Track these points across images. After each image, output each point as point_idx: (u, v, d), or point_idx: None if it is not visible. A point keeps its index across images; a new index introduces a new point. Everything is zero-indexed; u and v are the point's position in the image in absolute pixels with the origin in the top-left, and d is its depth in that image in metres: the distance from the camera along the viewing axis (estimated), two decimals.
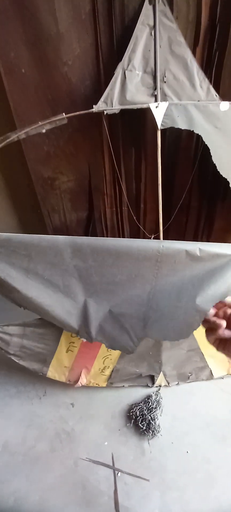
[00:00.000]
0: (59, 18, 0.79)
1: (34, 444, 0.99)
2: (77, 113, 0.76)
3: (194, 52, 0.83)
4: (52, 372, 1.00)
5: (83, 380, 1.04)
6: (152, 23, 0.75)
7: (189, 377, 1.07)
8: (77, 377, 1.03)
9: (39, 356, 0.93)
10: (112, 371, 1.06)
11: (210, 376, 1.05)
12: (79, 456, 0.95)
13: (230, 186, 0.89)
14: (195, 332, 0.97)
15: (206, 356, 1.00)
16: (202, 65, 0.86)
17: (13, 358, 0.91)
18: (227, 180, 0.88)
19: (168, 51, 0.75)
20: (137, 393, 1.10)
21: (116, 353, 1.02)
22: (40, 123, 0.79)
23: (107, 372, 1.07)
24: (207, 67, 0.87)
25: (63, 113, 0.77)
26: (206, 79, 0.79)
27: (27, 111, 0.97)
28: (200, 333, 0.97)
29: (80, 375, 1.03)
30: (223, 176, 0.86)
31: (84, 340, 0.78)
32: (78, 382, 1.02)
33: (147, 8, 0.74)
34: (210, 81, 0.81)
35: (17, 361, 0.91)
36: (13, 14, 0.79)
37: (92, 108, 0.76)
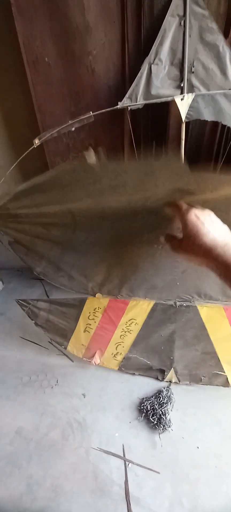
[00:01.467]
0: (86, 7, 0.77)
1: (46, 432, 1.02)
2: (103, 110, 0.74)
3: None
4: (71, 347, 1.11)
5: (97, 360, 1.11)
6: (181, 13, 0.73)
7: (201, 380, 1.07)
8: (92, 356, 1.11)
9: (61, 331, 1.06)
10: (124, 357, 1.10)
11: (226, 384, 1.05)
12: (91, 446, 0.97)
13: None
14: (212, 336, 0.98)
15: (223, 363, 1.00)
16: None
17: (40, 329, 1.06)
18: None
19: (198, 40, 0.73)
20: (148, 387, 1.11)
21: (129, 341, 1.06)
22: (70, 121, 0.78)
23: (119, 358, 1.12)
24: None
25: (91, 112, 0.76)
26: None
27: (48, 103, 0.96)
28: (217, 337, 0.97)
29: (95, 355, 1.10)
30: None
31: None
32: (92, 361, 1.09)
33: None
34: None
35: (43, 332, 1.07)
36: (41, 9, 0.78)
37: (117, 104, 0.75)
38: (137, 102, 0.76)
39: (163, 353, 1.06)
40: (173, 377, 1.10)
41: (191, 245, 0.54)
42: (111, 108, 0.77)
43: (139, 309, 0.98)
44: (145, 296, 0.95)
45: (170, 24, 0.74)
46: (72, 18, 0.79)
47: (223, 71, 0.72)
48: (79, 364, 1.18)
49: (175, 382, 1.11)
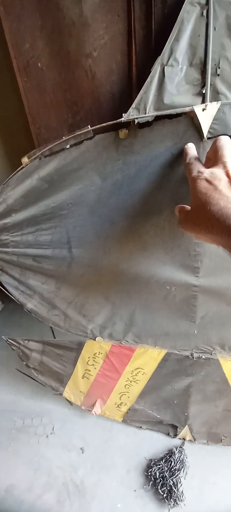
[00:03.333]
0: None
1: (40, 494, 0.88)
2: (104, 124, 0.60)
3: None
4: (68, 393, 0.97)
5: (98, 410, 0.96)
6: (203, 1, 0.56)
7: (221, 440, 0.90)
8: (93, 404, 0.96)
9: (56, 375, 0.93)
10: (129, 409, 0.95)
11: None
12: None
13: None
14: None
15: None
16: None
17: (33, 371, 0.93)
18: None
19: (226, 33, 0.56)
20: (157, 445, 0.95)
21: (135, 391, 0.90)
22: (64, 138, 0.65)
23: (124, 409, 0.96)
24: None
25: (89, 126, 0.62)
26: None
27: (43, 113, 0.82)
28: None
29: (95, 404, 0.95)
30: None
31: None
32: (93, 411, 0.94)
33: None
34: None
35: (36, 375, 0.94)
36: (29, 3, 0.65)
37: (122, 115, 0.60)
38: (146, 113, 0.61)
39: (176, 407, 0.89)
40: (188, 435, 0.93)
41: (197, 216, 0.42)
42: (113, 122, 0.62)
43: (147, 358, 0.82)
44: (155, 344, 0.80)
45: (189, 14, 0.57)
46: (66, 12, 0.65)
47: None
48: (79, 407, 1.04)
49: (189, 440, 0.94)
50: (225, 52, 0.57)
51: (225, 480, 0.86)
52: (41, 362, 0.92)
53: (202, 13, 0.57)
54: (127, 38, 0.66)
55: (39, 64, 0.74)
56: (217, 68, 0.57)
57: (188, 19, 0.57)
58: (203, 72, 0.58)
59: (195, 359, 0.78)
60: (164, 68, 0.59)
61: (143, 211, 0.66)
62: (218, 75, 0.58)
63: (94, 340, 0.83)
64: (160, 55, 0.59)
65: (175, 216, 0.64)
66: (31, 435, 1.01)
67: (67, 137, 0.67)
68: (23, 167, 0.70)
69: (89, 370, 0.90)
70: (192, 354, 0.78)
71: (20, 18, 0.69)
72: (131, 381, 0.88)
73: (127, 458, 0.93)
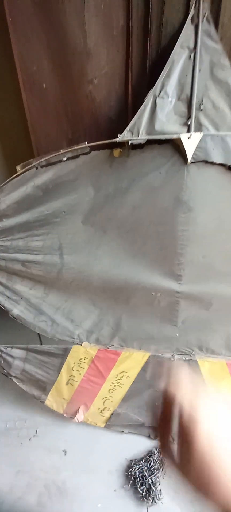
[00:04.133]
0: (88, 31, 0.70)
1: (21, 495, 0.88)
2: (100, 142, 0.67)
3: None
4: (50, 402, 0.96)
5: (80, 417, 0.97)
6: (192, 45, 0.66)
7: None
8: (75, 411, 0.97)
9: (39, 383, 0.93)
10: (112, 413, 0.97)
11: None
12: None
13: None
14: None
15: None
16: None
17: (14, 380, 0.91)
18: None
19: (209, 75, 0.66)
20: (138, 447, 0.98)
21: (118, 396, 0.94)
22: (61, 150, 0.70)
23: (107, 414, 0.98)
24: None
25: (86, 142, 0.69)
26: None
27: (44, 128, 0.88)
28: None
29: (78, 410, 0.96)
30: None
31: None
32: (75, 418, 0.95)
33: (188, 28, 0.66)
34: None
35: (17, 383, 0.92)
36: (38, 24, 0.71)
37: (117, 135, 0.68)
38: (138, 136, 0.69)
39: (157, 409, 0.94)
40: None
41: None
42: (109, 141, 0.69)
43: (132, 362, 0.87)
44: (140, 347, 0.85)
45: (179, 56, 0.67)
46: (72, 43, 0.72)
47: None
48: None
49: None
50: (208, 92, 0.67)
51: None
52: (23, 370, 0.91)
53: (190, 56, 0.67)
54: (125, 70, 0.75)
55: (44, 84, 0.81)
56: (201, 104, 0.67)
57: (178, 60, 0.67)
58: (189, 106, 0.67)
59: (176, 361, 0.84)
60: (156, 99, 0.67)
61: (133, 222, 0.72)
62: (201, 110, 0.67)
63: (81, 345, 0.86)
64: (153, 87, 0.68)
65: (162, 228, 0.71)
66: (13, 437, 1.01)
67: (65, 150, 0.73)
68: (18, 175, 0.75)
69: (74, 376, 0.91)
70: (173, 356, 0.84)
71: (28, 39, 0.75)
72: (115, 385, 0.91)
73: (109, 459, 0.95)
